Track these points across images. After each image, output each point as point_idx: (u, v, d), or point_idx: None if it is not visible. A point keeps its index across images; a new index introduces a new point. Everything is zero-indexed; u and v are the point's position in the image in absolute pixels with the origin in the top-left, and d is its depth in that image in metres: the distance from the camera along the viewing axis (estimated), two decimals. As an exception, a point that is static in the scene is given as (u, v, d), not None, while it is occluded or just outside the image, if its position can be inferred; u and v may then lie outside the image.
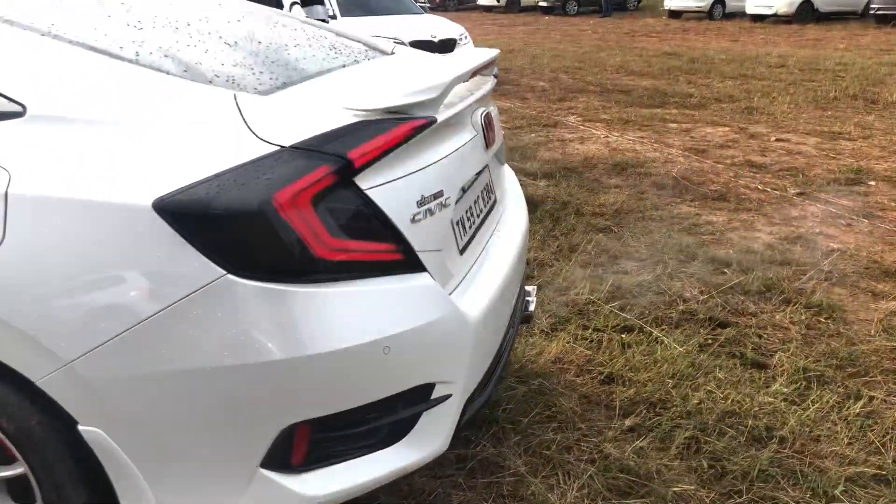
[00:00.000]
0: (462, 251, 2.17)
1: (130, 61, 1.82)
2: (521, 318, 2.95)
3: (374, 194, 1.77)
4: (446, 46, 11.07)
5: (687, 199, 5.83)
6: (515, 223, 2.77)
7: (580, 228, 5.00)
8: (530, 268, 4.27)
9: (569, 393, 3.01)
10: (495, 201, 2.64)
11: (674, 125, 8.54)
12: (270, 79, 1.97)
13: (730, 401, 2.97)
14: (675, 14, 25.99)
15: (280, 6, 6.97)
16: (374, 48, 2.84)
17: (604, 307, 3.78)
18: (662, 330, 3.58)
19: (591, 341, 3.45)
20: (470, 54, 2.43)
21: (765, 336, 3.58)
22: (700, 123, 8.61)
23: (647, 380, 3.10)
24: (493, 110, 2.56)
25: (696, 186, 6.12)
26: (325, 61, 2.37)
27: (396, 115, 1.88)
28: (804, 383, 3.12)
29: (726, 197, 5.83)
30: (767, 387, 3.10)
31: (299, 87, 1.99)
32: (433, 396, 1.91)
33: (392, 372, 1.81)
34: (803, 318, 3.76)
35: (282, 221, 1.64)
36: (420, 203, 1.88)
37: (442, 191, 1.97)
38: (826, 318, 3.75)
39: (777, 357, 3.36)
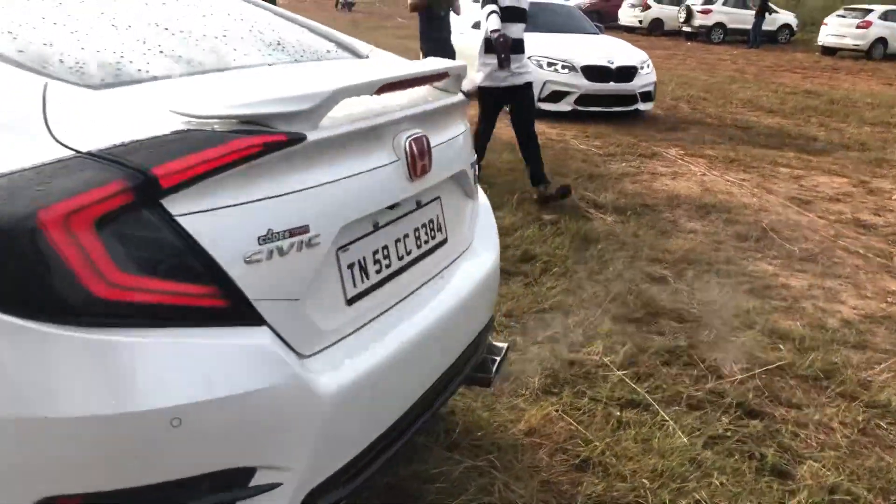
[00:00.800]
0: (352, 301, 1.78)
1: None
2: (468, 380, 2.52)
3: (188, 222, 1.40)
4: (625, 75, 10.04)
5: (769, 255, 5.14)
6: (473, 268, 2.34)
7: (629, 275, 4.45)
8: (515, 322, 3.79)
9: (526, 478, 2.54)
10: (443, 242, 2.21)
11: (784, 170, 7.73)
12: (117, 71, 1.64)
13: (720, 518, 2.41)
14: (828, 51, 24.24)
15: None
16: (347, 48, 2.48)
17: (614, 373, 3.25)
18: (674, 412, 3.02)
19: (584, 413, 2.95)
20: (405, 64, 2.03)
21: (801, 436, 2.96)
22: (815, 171, 7.75)
23: (627, 473, 2.58)
24: (445, 135, 2.13)
25: (786, 242, 5.40)
26: (247, 57, 2.03)
27: (252, 126, 1.51)
28: (827, 509, 2.51)
29: (816, 258, 5.10)
30: (779, 505, 2.51)
31: (157, 83, 1.65)
32: (253, 483, 1.52)
33: (187, 449, 1.43)
34: (859, 419, 3.10)
35: (46, 245, 1.30)
36: (264, 239, 1.50)
37: (307, 226, 1.58)
38: (889, 425, 3.08)
39: (807, 466, 2.75)
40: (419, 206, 2.10)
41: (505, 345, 2.57)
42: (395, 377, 1.83)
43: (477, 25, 8.26)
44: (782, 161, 8.13)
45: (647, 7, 28.98)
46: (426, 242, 2.12)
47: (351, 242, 1.79)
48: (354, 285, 1.79)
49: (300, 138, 1.54)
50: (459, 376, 2.27)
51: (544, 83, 9.62)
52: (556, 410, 2.94)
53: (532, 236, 4.95)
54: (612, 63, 10.01)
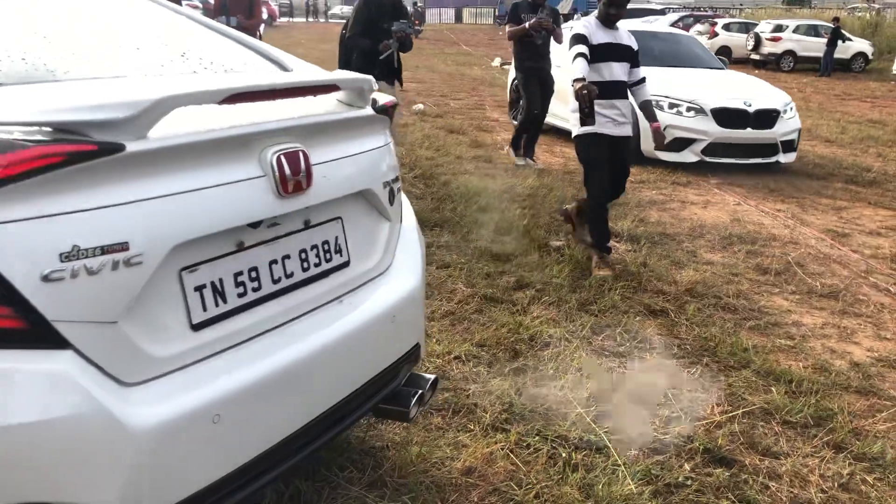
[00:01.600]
0: (200, 327, 1.65)
1: None
2: (380, 413, 2.37)
3: (-31, 236, 1.31)
4: (764, 120, 8.40)
5: (788, 290, 4.82)
6: (387, 294, 2.20)
7: (625, 306, 4.22)
8: (485, 352, 3.60)
9: (443, 519, 2.36)
10: (343, 265, 2.08)
11: (826, 201, 7.33)
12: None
13: (646, 578, 2.18)
14: (905, 80, 23.26)
15: None
16: (271, 60, 2.38)
17: (576, 411, 3.04)
18: (632, 455, 2.79)
19: (532, 452, 2.75)
20: (297, 76, 1.91)
21: (771, 489, 2.69)
22: (860, 203, 7.32)
23: (556, 522, 2.38)
24: (341, 151, 2.01)
25: (809, 277, 5.07)
26: (130, 65, 1.95)
27: (67, 135, 1.42)
28: (775, 573, 2.25)
29: (839, 295, 4.76)
30: (721, 566, 2.26)
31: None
32: (47, 521, 1.41)
33: (-33, 479, 1.33)
34: (844, 472, 2.81)
35: None
36: (67, 256, 1.39)
37: (126, 243, 1.47)
38: (876, 480, 2.78)
39: (768, 524, 2.49)
40: (308, 225, 1.97)
41: (432, 377, 2.41)
42: (252, 411, 1.70)
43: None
44: (826, 192, 7.73)
45: (714, 35, 28.35)
46: (317, 265, 2.00)
47: (201, 263, 1.67)
48: (204, 309, 1.67)
49: (116, 148, 1.44)
50: (359, 410, 2.12)
51: (665, 128, 7.65)
52: (502, 448, 2.75)
53: (531, 263, 4.77)
54: (750, 105, 8.39)
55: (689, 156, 8.32)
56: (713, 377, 3.50)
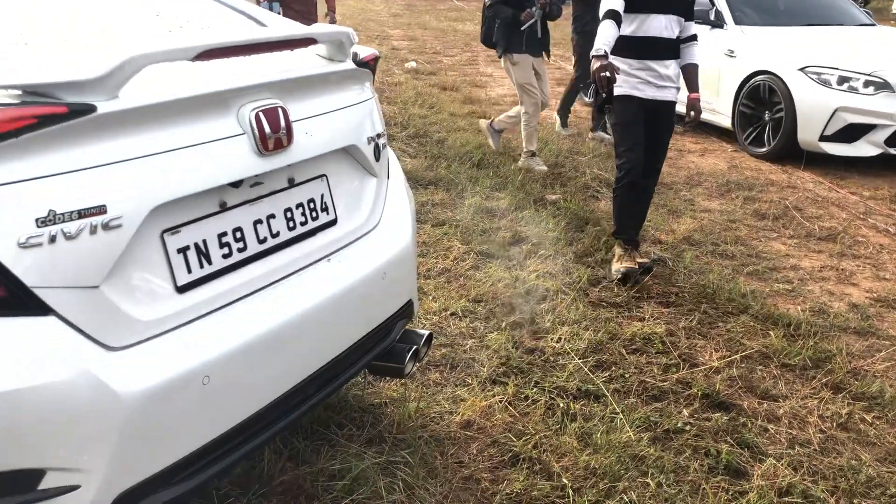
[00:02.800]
0: (185, 289, 1.64)
1: None
2: (375, 370, 2.37)
3: (-55, 204, 1.29)
4: None
5: (786, 234, 4.80)
6: (377, 252, 2.18)
7: (622, 257, 4.19)
8: (482, 307, 3.59)
9: (446, 474, 2.37)
10: (330, 223, 2.06)
11: (825, 144, 7.26)
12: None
13: (645, 522, 2.19)
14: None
15: None
16: (251, 18, 2.34)
17: (574, 362, 3.04)
18: (630, 403, 2.80)
19: (530, 404, 2.76)
20: (271, 31, 1.87)
21: (770, 431, 2.70)
22: (859, 144, 7.25)
23: (556, 470, 2.39)
24: (322, 106, 1.97)
25: (807, 220, 5.05)
26: (109, 27, 1.90)
27: (36, 97, 1.39)
28: (774, 512, 2.27)
29: (838, 237, 4.74)
30: (720, 508, 2.28)
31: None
32: (43, 486, 1.41)
33: (-47, 448, 1.32)
34: (842, 412, 2.82)
35: None
36: (43, 221, 1.37)
37: (103, 206, 1.45)
38: (875, 419, 2.79)
39: (766, 465, 2.50)
40: (292, 184, 1.95)
41: (426, 332, 2.40)
42: (241, 372, 1.69)
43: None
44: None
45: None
46: (304, 224, 1.97)
47: (184, 224, 1.65)
48: (189, 271, 1.66)
49: (87, 110, 1.41)
50: (353, 368, 2.12)
51: (834, 112, 6.10)
52: (500, 401, 2.75)
53: (528, 218, 4.74)
54: None
55: (866, 148, 6.18)
56: (711, 324, 3.50)
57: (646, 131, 3.90)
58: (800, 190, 5.76)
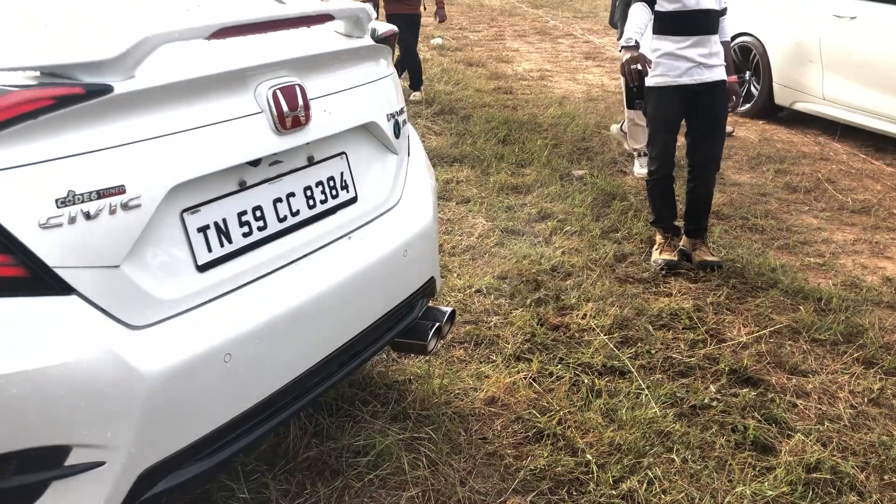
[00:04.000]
0: (205, 268, 1.65)
1: None
2: (398, 347, 2.38)
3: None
4: None
5: (818, 207, 4.72)
6: (398, 229, 2.18)
7: (649, 232, 4.15)
8: (507, 284, 3.57)
9: (470, 450, 2.37)
10: (350, 201, 2.06)
11: (859, 115, 7.09)
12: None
13: (669, 500, 2.18)
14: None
15: None
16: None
17: (599, 338, 3.02)
18: (656, 379, 2.78)
19: (554, 380, 2.75)
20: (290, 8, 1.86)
21: (799, 407, 2.67)
22: None
23: (580, 446, 2.38)
24: (341, 83, 1.96)
25: (840, 193, 4.95)
26: (128, 5, 1.91)
27: (54, 78, 1.40)
28: (801, 489, 2.24)
29: (872, 209, 4.64)
30: (747, 483, 2.26)
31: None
32: (70, 462, 1.43)
33: (-18, 425, 1.35)
34: (874, 387, 2.78)
35: None
36: (63, 202, 1.38)
37: (122, 186, 1.46)
38: (907, 394, 2.75)
39: (795, 440, 2.47)
40: (312, 162, 1.95)
41: (449, 309, 2.40)
42: (263, 350, 1.71)
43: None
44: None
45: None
46: (324, 202, 1.98)
47: (203, 204, 1.66)
48: (209, 250, 1.67)
49: (104, 90, 1.42)
50: (375, 345, 2.12)
51: None
52: (525, 377, 2.75)
53: (554, 193, 4.70)
54: None
55: None
56: (740, 299, 3.45)
57: (698, 119, 3.67)
58: (833, 162, 5.64)
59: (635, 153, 5.25)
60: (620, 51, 3.45)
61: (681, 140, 3.78)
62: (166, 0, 2.05)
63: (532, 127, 6.26)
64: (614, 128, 5.79)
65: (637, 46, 3.40)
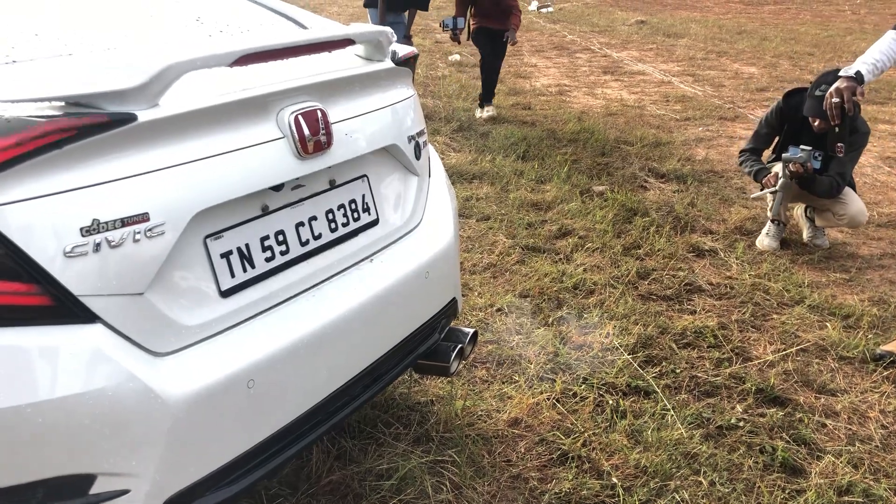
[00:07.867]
0: (228, 294, 1.65)
1: None
2: (421, 369, 2.36)
3: (-7, 216, 1.31)
4: None
5: (843, 221, 4.64)
6: (419, 251, 2.17)
7: (672, 249, 4.12)
8: (528, 303, 3.55)
9: (494, 473, 2.35)
10: (372, 223, 2.05)
11: (884, 126, 7.03)
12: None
13: (698, 522, 2.15)
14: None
15: None
16: (288, 19, 2.34)
17: (623, 357, 2.99)
18: (681, 399, 2.74)
19: (578, 401, 2.72)
20: (308, 33, 1.87)
21: (828, 427, 2.62)
22: (920, 126, 7.01)
23: (606, 469, 2.35)
24: (362, 107, 1.96)
25: (866, 206, 4.87)
26: (146, 34, 1.92)
27: (79, 108, 1.41)
28: (833, 512, 2.20)
29: (898, 223, 4.58)
30: (776, 508, 2.22)
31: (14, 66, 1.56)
32: (95, 491, 1.43)
33: (8, 456, 1.35)
34: (905, 407, 2.72)
35: None
36: (88, 231, 1.39)
37: (146, 214, 1.46)
38: (940, 413, 2.69)
39: (825, 462, 2.42)
40: (333, 185, 1.94)
41: (471, 330, 2.39)
42: (286, 375, 1.70)
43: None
44: (883, 117, 7.40)
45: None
46: (345, 225, 1.97)
47: (226, 229, 1.66)
48: (232, 276, 1.66)
49: (128, 119, 1.42)
50: (398, 368, 2.11)
51: None
52: (548, 398, 2.72)
53: (574, 210, 4.68)
54: None
55: None
56: (765, 316, 3.41)
57: None
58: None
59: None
60: (839, 78, 2.98)
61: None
62: (189, 24, 2.07)
63: (551, 143, 6.25)
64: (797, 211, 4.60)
65: (859, 80, 3.03)
